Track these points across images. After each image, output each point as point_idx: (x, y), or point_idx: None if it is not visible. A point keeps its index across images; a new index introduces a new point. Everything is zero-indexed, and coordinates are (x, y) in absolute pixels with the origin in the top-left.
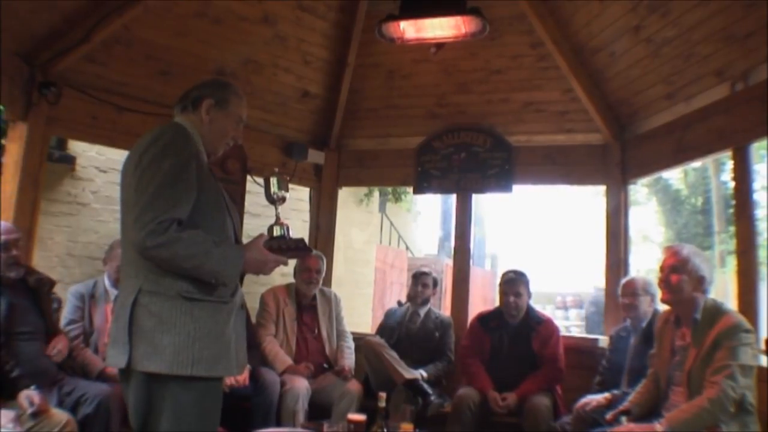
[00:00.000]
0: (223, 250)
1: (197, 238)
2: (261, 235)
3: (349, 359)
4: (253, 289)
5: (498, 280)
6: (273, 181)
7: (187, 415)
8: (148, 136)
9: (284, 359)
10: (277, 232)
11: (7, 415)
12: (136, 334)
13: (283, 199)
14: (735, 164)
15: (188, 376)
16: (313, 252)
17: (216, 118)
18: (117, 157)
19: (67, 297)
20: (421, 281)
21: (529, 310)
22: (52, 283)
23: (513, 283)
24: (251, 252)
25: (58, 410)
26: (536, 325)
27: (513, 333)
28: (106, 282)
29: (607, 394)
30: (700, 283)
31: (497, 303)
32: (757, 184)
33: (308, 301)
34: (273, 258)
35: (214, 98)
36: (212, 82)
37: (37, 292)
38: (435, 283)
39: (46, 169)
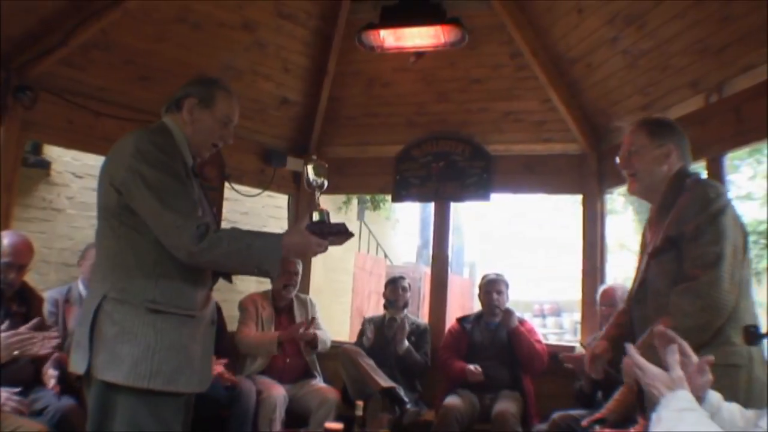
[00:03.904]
0: (263, 240)
1: (235, 234)
2: (302, 219)
3: (319, 332)
4: (230, 296)
5: (476, 289)
6: (310, 168)
7: (141, 428)
8: (130, 138)
9: (271, 334)
10: (317, 217)
11: None
12: (97, 341)
13: (322, 186)
14: (709, 174)
15: (145, 389)
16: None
17: (200, 118)
18: (93, 162)
19: None
20: (400, 285)
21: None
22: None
23: (495, 282)
24: (292, 236)
25: (30, 419)
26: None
27: (491, 333)
28: (81, 286)
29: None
30: None
31: (475, 310)
32: (732, 194)
33: (285, 303)
34: (315, 241)
35: (198, 96)
36: (198, 80)
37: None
38: (408, 287)
39: (21, 174)
